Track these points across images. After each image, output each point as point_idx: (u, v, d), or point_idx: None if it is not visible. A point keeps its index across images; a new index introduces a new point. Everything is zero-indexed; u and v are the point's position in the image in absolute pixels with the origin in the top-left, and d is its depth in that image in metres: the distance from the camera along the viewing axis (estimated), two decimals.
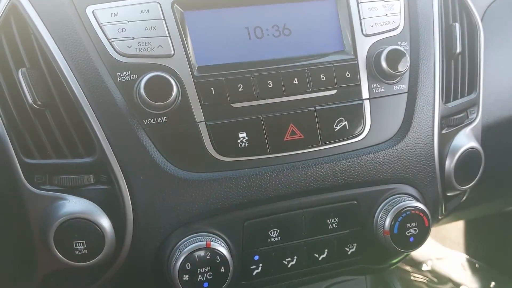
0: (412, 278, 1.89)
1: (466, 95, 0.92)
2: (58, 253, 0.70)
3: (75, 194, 0.71)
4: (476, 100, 0.92)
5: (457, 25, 0.90)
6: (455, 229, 2.11)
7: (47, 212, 0.70)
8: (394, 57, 0.79)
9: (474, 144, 0.88)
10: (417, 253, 2.08)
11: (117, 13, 0.72)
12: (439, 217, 0.96)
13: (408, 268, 1.94)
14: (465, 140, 0.88)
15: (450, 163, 0.86)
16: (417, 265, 1.99)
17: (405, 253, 0.84)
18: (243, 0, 0.77)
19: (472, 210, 1.50)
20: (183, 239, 0.73)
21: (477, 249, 2.06)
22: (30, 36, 0.71)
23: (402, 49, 0.80)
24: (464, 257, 2.05)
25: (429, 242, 2.10)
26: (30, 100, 0.70)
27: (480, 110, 0.93)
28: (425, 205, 0.84)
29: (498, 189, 1.29)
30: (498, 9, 1.05)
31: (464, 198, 1.00)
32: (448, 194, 0.90)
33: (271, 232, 0.78)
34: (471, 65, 0.93)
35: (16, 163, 0.70)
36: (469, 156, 0.87)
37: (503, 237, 1.97)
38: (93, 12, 0.72)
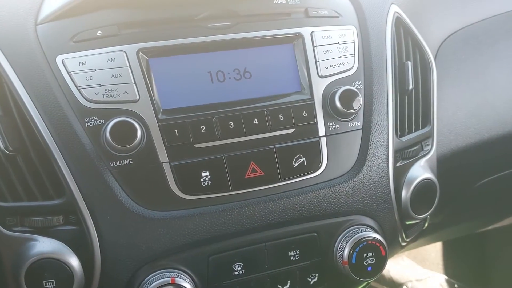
0: None
1: (420, 128, 0.96)
2: None
3: (45, 235, 0.74)
4: (431, 133, 0.97)
5: (409, 63, 0.94)
6: (434, 250, 2.14)
7: (19, 253, 0.73)
8: (348, 97, 0.83)
9: (429, 175, 0.92)
10: (397, 275, 2.11)
11: (85, 62, 0.76)
12: (403, 244, 0.99)
13: None
14: (420, 171, 0.92)
15: (406, 194, 0.90)
16: (397, 286, 2.01)
17: (365, 282, 0.88)
18: (205, 47, 0.81)
19: (444, 232, 1.53)
20: (150, 275, 0.75)
21: (455, 269, 2.09)
22: (2, 84, 0.75)
23: (355, 89, 0.84)
24: (443, 277, 2.08)
25: (409, 263, 2.14)
26: (2, 146, 0.73)
27: (435, 142, 0.97)
28: (383, 234, 0.88)
29: (464, 214, 1.34)
30: (451, 44, 1.11)
31: (426, 225, 1.04)
32: (407, 223, 0.94)
33: (235, 266, 0.81)
34: (424, 100, 0.97)
35: None
36: (424, 187, 0.91)
37: (479, 257, 2.00)
38: (62, 61, 0.76)
